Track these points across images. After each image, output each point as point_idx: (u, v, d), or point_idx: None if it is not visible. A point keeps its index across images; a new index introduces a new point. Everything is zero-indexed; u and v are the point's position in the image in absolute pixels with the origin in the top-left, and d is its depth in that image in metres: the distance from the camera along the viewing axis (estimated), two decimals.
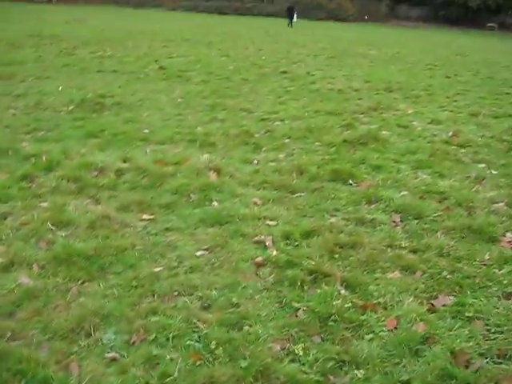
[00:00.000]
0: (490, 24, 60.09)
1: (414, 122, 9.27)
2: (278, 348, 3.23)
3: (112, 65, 14.58)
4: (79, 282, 3.84)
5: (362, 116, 9.61)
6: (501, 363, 3.15)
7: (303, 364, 3.12)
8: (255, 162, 6.59)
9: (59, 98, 9.84)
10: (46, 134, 7.61)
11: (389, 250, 4.47)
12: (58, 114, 8.81)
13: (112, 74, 13.19)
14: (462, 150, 7.60)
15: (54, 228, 4.61)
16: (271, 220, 4.91)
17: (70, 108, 9.19)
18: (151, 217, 4.92)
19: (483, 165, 6.96)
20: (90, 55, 16.26)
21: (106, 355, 3.14)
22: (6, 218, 4.78)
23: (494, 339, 3.37)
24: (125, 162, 6.16)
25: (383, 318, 3.53)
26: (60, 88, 10.91)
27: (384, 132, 8.29)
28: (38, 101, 9.62)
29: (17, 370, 2.93)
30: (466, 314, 3.60)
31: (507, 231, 4.88)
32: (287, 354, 3.19)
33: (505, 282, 4.03)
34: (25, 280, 3.81)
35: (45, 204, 5.07)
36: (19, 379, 2.89)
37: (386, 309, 3.65)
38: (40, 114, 8.75)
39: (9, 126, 7.96)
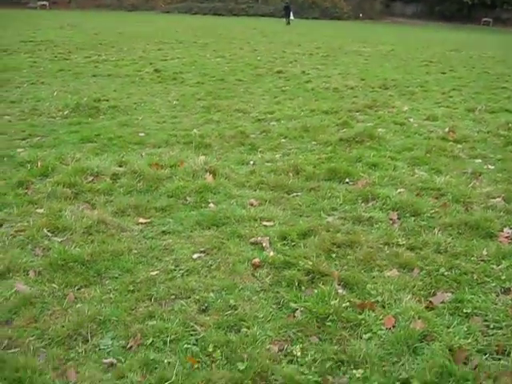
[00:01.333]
0: (485, 19, 60.07)
1: (410, 119, 9.28)
2: (276, 349, 3.22)
3: (107, 69, 14.55)
4: (76, 288, 3.83)
5: (357, 114, 9.61)
6: (500, 359, 3.14)
7: (301, 365, 3.11)
8: (251, 162, 6.58)
9: (54, 104, 9.81)
10: (42, 139, 7.60)
11: (386, 247, 4.46)
12: (53, 120, 8.80)
13: (107, 78, 13.17)
14: (459, 146, 7.60)
15: (49, 234, 4.59)
16: (268, 221, 4.89)
17: (65, 113, 9.18)
18: (148, 220, 4.91)
19: (480, 160, 6.96)
20: (85, 60, 16.23)
21: (104, 361, 3.13)
22: (1, 225, 4.76)
23: (493, 335, 3.36)
24: (120, 166, 6.14)
25: (381, 317, 3.51)
26: (55, 93, 10.89)
27: (380, 129, 8.29)
28: (33, 107, 9.61)
29: (14, 379, 2.91)
30: (464, 311, 3.59)
31: (504, 226, 4.87)
32: (285, 355, 3.18)
33: (503, 277, 4.02)
34: (21, 287, 3.80)
35: (40, 210, 5.05)
36: None
37: (384, 307, 3.64)
38: (35, 120, 8.75)
39: (4, 133, 7.95)
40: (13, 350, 3.19)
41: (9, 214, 4.97)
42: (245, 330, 3.36)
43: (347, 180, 5.98)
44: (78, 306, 3.62)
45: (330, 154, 6.95)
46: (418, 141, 7.81)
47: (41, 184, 5.67)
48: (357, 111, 9.83)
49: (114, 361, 3.12)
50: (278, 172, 6.12)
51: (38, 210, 5.05)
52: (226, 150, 7.10)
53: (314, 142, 7.55)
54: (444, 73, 16.16)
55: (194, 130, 8.04)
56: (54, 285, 3.85)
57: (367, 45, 25.90)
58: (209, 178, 5.73)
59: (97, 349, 3.23)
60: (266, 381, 2.97)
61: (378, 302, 3.69)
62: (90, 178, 5.75)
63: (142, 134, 7.86)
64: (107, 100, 10.24)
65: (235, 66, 15.86)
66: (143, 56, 17.58)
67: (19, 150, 6.98)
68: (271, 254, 4.27)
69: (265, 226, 4.80)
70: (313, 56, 19.64)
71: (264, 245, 4.40)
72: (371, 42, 27.60)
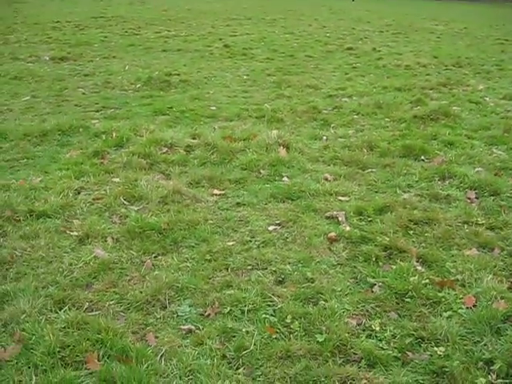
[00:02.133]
0: None
1: (486, 98, 8.99)
2: (355, 323, 3.18)
3: (176, 44, 14.63)
4: (153, 255, 3.88)
5: (431, 92, 9.38)
6: None
7: (380, 340, 3.07)
8: (324, 137, 6.52)
9: (126, 77, 9.99)
10: (115, 111, 7.74)
11: (465, 226, 4.35)
12: (126, 93, 8.96)
13: (177, 53, 13.25)
14: None
15: (126, 202, 4.66)
16: (343, 195, 4.85)
17: (137, 86, 9.33)
18: (222, 192, 4.93)
19: None
20: (155, 35, 16.35)
21: (182, 327, 3.16)
22: (79, 193, 4.87)
23: None
24: (194, 138, 6.18)
25: (461, 296, 3.43)
26: (126, 67, 11.04)
27: (455, 108, 8.06)
28: (105, 80, 9.80)
29: (96, 340, 2.97)
30: None
31: None
32: (364, 330, 3.15)
33: None
34: (100, 253, 3.87)
35: (116, 179, 5.14)
36: (98, 348, 2.93)
37: (464, 286, 3.55)
38: (108, 93, 8.92)
39: (79, 105, 8.16)
40: (94, 313, 3.27)
41: (86, 183, 5.08)
42: (322, 302, 3.34)
43: (423, 157, 5.86)
44: (156, 272, 3.67)
45: (405, 131, 6.81)
46: (495, 120, 7.57)
47: (116, 154, 5.76)
48: (430, 89, 9.59)
49: (193, 327, 3.15)
50: (352, 148, 6.05)
51: (114, 179, 5.14)
52: (298, 125, 7.07)
53: (387, 119, 7.42)
54: None
55: (266, 105, 8.02)
56: (131, 251, 3.92)
57: (439, 22, 25.19)
58: (282, 151, 5.70)
59: (175, 315, 3.27)
60: (344, 354, 2.95)
61: (457, 280, 3.61)
62: (165, 149, 5.81)
63: (214, 108, 7.90)
64: (178, 74, 10.32)
65: (304, 42, 15.70)
66: (212, 32, 17.60)
67: (94, 121, 7.13)
68: (347, 228, 4.22)
69: (340, 200, 4.75)
70: (383, 33, 19.24)
71: (340, 219, 4.36)
72: (443, 20, 26.81)
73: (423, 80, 10.46)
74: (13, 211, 4.42)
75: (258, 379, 2.79)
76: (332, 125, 7.11)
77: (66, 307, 3.30)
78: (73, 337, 3.01)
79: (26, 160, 5.79)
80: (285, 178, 5.21)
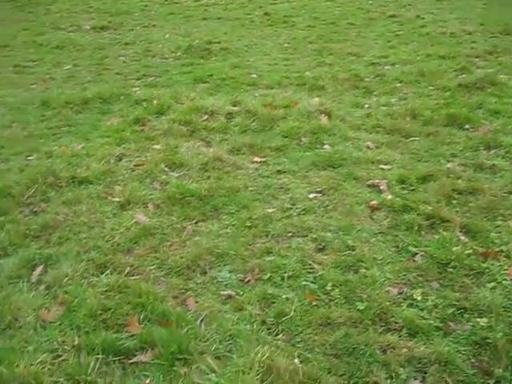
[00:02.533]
0: None
1: None
2: (396, 292, 3.15)
3: (216, 12, 14.50)
4: (193, 222, 3.91)
5: (477, 60, 9.10)
6: None
7: (422, 309, 3.03)
8: (366, 105, 6.40)
9: (167, 45, 9.96)
10: (156, 79, 7.76)
11: (510, 197, 4.23)
12: (166, 61, 8.96)
13: (217, 21, 13.15)
14: None
15: (167, 169, 4.69)
16: (385, 164, 4.77)
17: (178, 54, 9.31)
18: (263, 159, 4.91)
19: None
20: (195, 3, 16.21)
21: (222, 292, 3.18)
22: (120, 160, 4.91)
23: None
24: (234, 105, 6.14)
25: (506, 267, 3.36)
26: (167, 36, 11.00)
27: (502, 76, 7.81)
28: (146, 48, 9.80)
29: (137, 303, 3.02)
30: None
31: None
32: (405, 299, 3.11)
33: None
34: (141, 218, 3.91)
35: (157, 146, 5.16)
36: (139, 312, 2.97)
37: (508, 257, 3.47)
38: (149, 61, 8.94)
39: (120, 73, 8.21)
40: (135, 277, 3.30)
41: (127, 149, 5.11)
42: (363, 270, 3.32)
43: (467, 126, 5.69)
44: (196, 238, 3.69)
45: (449, 99, 6.62)
46: None
47: (157, 121, 5.78)
48: (476, 57, 9.31)
49: (232, 293, 3.16)
50: (395, 116, 5.93)
51: (155, 146, 5.16)
52: (339, 93, 6.94)
53: (430, 87, 7.23)
54: None
55: (307, 73, 7.90)
56: (172, 217, 3.94)
57: None
58: (323, 119, 5.63)
59: (215, 281, 3.29)
60: (385, 322, 2.93)
61: (502, 251, 3.53)
62: (205, 117, 5.80)
63: (255, 76, 7.83)
64: (218, 42, 10.23)
65: (346, 9, 15.38)
66: (252, 0, 17.42)
67: (134, 89, 7.17)
68: (389, 197, 4.16)
69: (382, 169, 4.68)
70: (427, 0, 18.81)
71: (382, 188, 4.30)
72: None
73: (469, 48, 10.17)
74: (55, 177, 4.49)
75: (297, 345, 2.79)
76: (374, 93, 6.96)
77: (108, 271, 3.35)
78: (114, 300, 3.06)
79: (68, 127, 5.88)
80: (326, 146, 5.15)
